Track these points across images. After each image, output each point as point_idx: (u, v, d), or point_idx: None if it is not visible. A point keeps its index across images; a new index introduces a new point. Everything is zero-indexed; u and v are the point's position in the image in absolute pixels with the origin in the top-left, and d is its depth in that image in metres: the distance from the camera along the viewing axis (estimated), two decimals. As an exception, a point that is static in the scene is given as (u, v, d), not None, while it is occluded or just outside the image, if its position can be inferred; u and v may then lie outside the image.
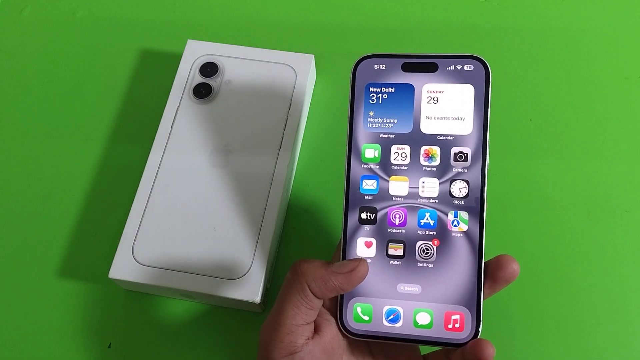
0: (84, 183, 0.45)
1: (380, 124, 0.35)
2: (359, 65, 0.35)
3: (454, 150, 0.34)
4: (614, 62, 0.49)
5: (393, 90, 0.35)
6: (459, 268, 0.33)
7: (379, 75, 0.35)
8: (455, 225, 0.33)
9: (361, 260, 0.32)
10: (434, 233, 0.33)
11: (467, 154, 0.34)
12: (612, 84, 0.48)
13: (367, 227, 0.34)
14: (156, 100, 0.47)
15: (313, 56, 0.46)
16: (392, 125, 0.35)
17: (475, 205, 0.33)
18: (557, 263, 0.42)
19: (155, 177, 0.42)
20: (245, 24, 0.52)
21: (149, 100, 0.48)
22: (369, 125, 0.35)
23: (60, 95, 0.49)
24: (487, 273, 0.33)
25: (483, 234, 0.33)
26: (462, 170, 0.33)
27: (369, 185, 0.34)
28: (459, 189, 0.33)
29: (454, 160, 0.34)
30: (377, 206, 0.34)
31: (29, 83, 0.50)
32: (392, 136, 0.34)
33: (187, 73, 0.45)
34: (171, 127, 0.43)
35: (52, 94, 0.49)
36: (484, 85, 0.34)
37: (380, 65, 0.35)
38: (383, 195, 0.34)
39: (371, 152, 0.34)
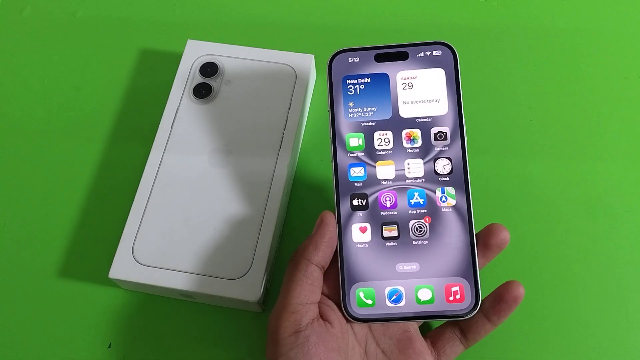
0: (84, 183, 0.45)
1: (361, 113, 0.36)
2: (334, 60, 0.37)
3: (434, 130, 0.35)
4: (614, 62, 0.49)
5: (369, 80, 0.36)
6: (452, 241, 0.34)
7: (354, 68, 0.37)
8: (443, 201, 0.35)
9: (322, 212, 0.35)
10: (425, 211, 0.35)
11: (446, 132, 0.35)
12: (611, 84, 0.48)
13: (359, 213, 0.35)
14: (156, 100, 0.47)
15: (313, 56, 0.46)
16: (372, 113, 0.36)
17: (460, 180, 0.35)
18: (557, 263, 0.42)
19: (155, 177, 0.42)
20: (245, 24, 0.52)
21: (149, 100, 0.48)
22: (350, 115, 0.36)
23: (60, 95, 0.49)
24: (480, 242, 0.35)
25: (471, 205, 0.34)
26: (443, 148, 0.35)
27: (357, 172, 0.35)
28: (443, 166, 0.35)
29: (435, 140, 0.35)
30: (367, 192, 0.35)
31: (29, 83, 0.50)
32: (373, 123, 0.36)
33: (187, 73, 0.45)
34: (171, 127, 0.43)
35: (52, 94, 0.49)
36: (452, 67, 0.36)
37: (354, 58, 0.37)
38: (371, 180, 0.35)
39: (355, 140, 0.36)
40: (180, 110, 0.44)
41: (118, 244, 0.40)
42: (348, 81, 0.36)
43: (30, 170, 0.46)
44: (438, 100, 0.36)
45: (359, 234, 0.35)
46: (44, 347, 0.40)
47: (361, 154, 0.35)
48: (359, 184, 0.35)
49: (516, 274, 0.41)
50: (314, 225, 0.43)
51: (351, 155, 0.36)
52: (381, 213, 0.35)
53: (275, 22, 0.52)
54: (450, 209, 0.34)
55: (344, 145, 0.36)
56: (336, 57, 0.37)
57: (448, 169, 0.35)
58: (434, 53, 0.36)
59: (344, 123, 0.36)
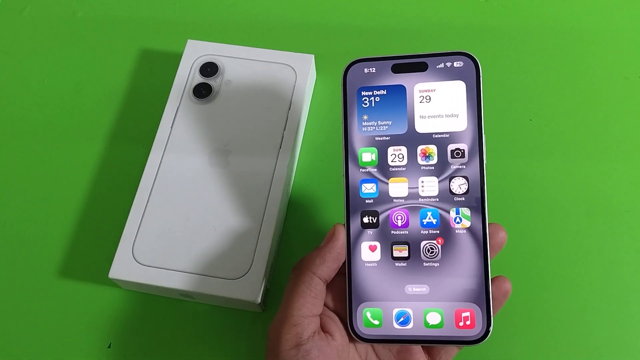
0: (84, 183, 0.45)
1: (375, 126, 0.35)
2: (349, 70, 0.35)
3: (451, 147, 0.34)
4: (614, 62, 0.49)
5: (385, 92, 0.35)
6: (465, 264, 0.33)
7: (370, 79, 0.35)
8: (457, 222, 0.33)
9: (335, 225, 0.34)
10: (438, 232, 0.33)
11: (463, 150, 0.34)
12: (612, 84, 0.48)
13: (370, 231, 0.34)
14: (156, 100, 0.47)
15: (313, 56, 0.46)
16: (386, 127, 0.34)
17: (476, 201, 0.33)
18: (557, 263, 0.42)
19: (155, 177, 0.42)
20: (245, 24, 0.52)
21: (149, 100, 0.48)
22: (364, 129, 0.35)
23: (60, 95, 0.49)
24: None
25: (486, 229, 0.33)
26: (460, 166, 0.33)
27: (369, 189, 0.34)
28: (459, 185, 0.33)
29: (452, 158, 0.34)
30: (379, 209, 0.34)
31: (29, 83, 0.50)
32: (387, 138, 0.34)
33: (187, 73, 0.45)
34: (171, 127, 0.43)
35: (52, 94, 0.49)
36: (474, 80, 0.34)
37: (370, 69, 0.35)
38: (383, 197, 0.34)
39: (368, 155, 0.34)
40: (180, 110, 0.44)
41: (118, 244, 0.40)
42: (363, 93, 0.35)
43: (30, 170, 0.46)
44: (457, 115, 0.34)
45: (369, 252, 0.34)
46: (44, 347, 0.40)
47: (374, 170, 0.34)
48: (370, 201, 0.34)
49: (516, 274, 0.41)
50: (313, 225, 0.44)
51: (363, 170, 0.34)
52: (392, 232, 0.34)
53: (275, 22, 0.52)
54: (465, 231, 0.33)
55: (356, 160, 0.34)
56: (351, 67, 0.35)
57: (464, 188, 0.33)
58: (455, 64, 0.34)
59: (357, 137, 0.34)
